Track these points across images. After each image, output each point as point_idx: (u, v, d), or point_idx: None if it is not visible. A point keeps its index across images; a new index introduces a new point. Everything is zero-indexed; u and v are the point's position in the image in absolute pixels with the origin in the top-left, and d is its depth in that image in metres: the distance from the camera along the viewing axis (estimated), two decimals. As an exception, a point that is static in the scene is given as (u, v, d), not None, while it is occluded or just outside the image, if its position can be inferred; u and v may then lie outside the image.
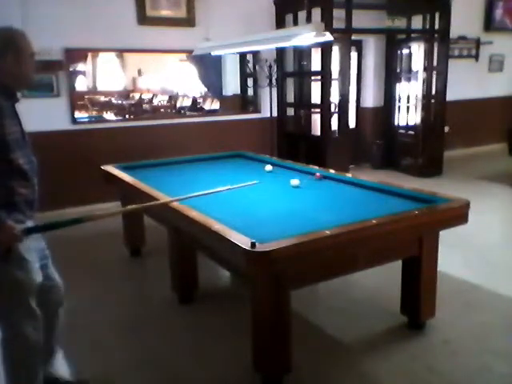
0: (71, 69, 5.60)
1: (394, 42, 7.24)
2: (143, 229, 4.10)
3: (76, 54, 5.87)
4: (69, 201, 5.43)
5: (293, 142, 6.44)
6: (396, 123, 7.39)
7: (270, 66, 6.19)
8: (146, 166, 4.11)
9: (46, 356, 2.22)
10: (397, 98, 7.32)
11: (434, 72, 6.71)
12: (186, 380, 2.49)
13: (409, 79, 7.14)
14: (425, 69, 6.71)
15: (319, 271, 2.38)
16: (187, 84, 10.82)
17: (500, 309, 3.14)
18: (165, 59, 10.84)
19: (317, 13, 5.53)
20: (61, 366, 2.34)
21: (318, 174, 3.50)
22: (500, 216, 5.25)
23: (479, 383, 2.40)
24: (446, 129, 7.08)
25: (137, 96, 11.62)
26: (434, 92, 6.79)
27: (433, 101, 6.83)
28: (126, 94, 11.73)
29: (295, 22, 6.01)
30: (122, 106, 10.26)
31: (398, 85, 7.28)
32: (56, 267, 2.27)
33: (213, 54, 4.40)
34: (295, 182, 3.30)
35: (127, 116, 8.84)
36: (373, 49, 7.40)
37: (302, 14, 5.79)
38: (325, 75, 5.82)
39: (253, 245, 2.02)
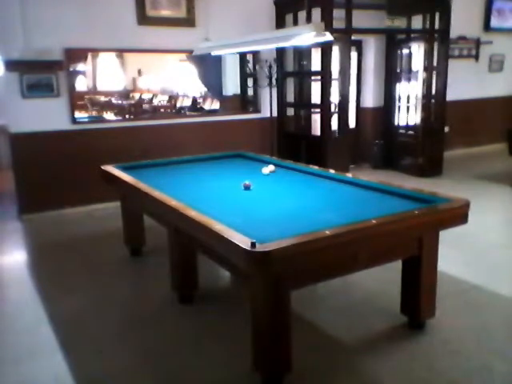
0: (71, 69, 5.60)
1: (394, 42, 7.25)
2: (143, 229, 4.10)
3: (76, 54, 5.88)
4: (69, 201, 5.44)
5: (293, 142, 6.44)
6: (396, 123, 7.39)
7: (270, 66, 6.20)
8: (146, 166, 4.11)
9: None
10: (397, 98, 7.31)
11: (434, 72, 6.71)
12: (186, 380, 2.49)
13: (409, 79, 7.13)
14: (425, 69, 6.71)
15: (319, 271, 2.38)
16: (187, 84, 10.84)
17: (500, 309, 3.14)
18: (165, 59, 10.89)
19: (317, 13, 5.53)
20: None
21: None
22: (500, 216, 5.25)
23: (479, 383, 2.40)
24: (446, 129, 7.08)
25: (137, 96, 11.66)
26: (433, 92, 6.79)
27: (433, 101, 6.83)
28: (125, 94, 11.76)
29: (295, 22, 6.02)
30: (122, 106, 10.27)
31: (397, 85, 7.28)
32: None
33: (213, 54, 4.40)
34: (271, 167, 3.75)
35: (127, 116, 8.87)
36: (373, 49, 7.40)
37: (301, 14, 5.80)
38: (325, 75, 5.82)
39: (253, 245, 2.01)
